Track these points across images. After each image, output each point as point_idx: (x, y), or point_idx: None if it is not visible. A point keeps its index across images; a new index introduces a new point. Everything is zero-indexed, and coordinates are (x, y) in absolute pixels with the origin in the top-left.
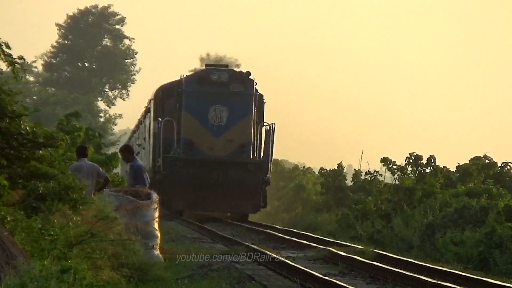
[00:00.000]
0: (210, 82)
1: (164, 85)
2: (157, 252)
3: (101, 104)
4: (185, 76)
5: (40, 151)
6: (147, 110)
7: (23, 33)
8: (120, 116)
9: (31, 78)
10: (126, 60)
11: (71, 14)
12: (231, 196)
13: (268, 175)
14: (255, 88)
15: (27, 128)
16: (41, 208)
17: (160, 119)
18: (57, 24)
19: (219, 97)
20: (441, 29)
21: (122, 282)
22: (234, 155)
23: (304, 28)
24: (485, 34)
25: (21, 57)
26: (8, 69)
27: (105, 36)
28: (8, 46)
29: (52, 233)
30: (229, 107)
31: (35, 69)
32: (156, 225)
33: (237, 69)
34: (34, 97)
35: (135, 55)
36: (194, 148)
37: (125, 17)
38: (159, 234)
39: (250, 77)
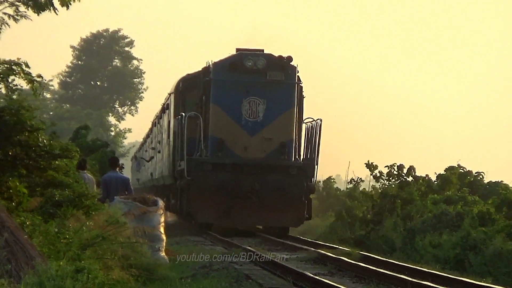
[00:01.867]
0: (244, 69)
1: (186, 75)
2: (162, 253)
3: (112, 119)
4: (213, 62)
5: (56, 162)
6: (165, 108)
7: (41, 54)
8: (129, 130)
9: (48, 95)
10: (135, 79)
11: (85, 37)
12: (269, 206)
13: (314, 181)
14: (298, 76)
15: (44, 140)
16: (57, 214)
17: (183, 114)
18: (71, 46)
19: (254, 87)
20: (423, 42)
21: (131, 281)
22: (272, 157)
23: (287, 35)
24: (463, 45)
25: (39, 76)
26: (28, 87)
27: (115, 57)
28: (27, 66)
29: (67, 236)
30: (267, 99)
31: (52, 87)
32: (162, 229)
33: None
34: (51, 113)
35: (143, 75)
36: (224, 149)
37: (134, 40)
38: (164, 237)
39: (292, 63)
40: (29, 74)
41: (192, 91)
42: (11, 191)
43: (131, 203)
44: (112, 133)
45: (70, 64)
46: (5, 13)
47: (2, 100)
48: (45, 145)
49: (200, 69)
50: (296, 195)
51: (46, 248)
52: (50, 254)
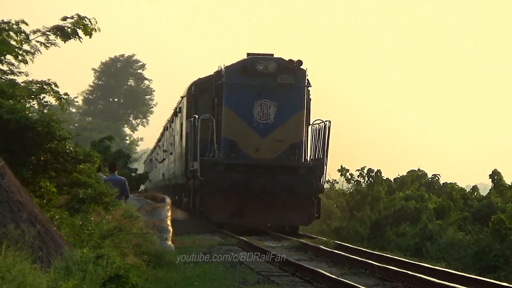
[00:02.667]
0: (255, 73)
1: (198, 79)
2: (169, 242)
3: (127, 130)
4: (225, 66)
5: (81, 166)
6: (177, 111)
7: (68, 75)
8: (141, 139)
9: (74, 110)
10: (146, 96)
11: (104, 61)
12: (280, 205)
13: (323, 181)
14: (307, 79)
15: (71, 148)
16: (81, 209)
17: (196, 116)
18: (93, 69)
19: (265, 90)
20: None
21: (143, 265)
22: (283, 157)
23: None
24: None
25: (66, 94)
26: (56, 103)
27: (130, 78)
28: (56, 85)
29: (89, 228)
30: (278, 102)
31: (77, 103)
32: (168, 222)
33: None
34: (76, 125)
35: (153, 93)
36: (236, 150)
37: (145, 64)
38: (171, 229)
39: (302, 66)
40: (57, 92)
41: (204, 94)
42: (42, 190)
43: (143, 200)
44: (127, 142)
45: (92, 84)
46: (37, 41)
47: (35, 114)
48: (71, 152)
49: (211, 73)
50: (306, 195)
51: (72, 238)
52: (75, 243)
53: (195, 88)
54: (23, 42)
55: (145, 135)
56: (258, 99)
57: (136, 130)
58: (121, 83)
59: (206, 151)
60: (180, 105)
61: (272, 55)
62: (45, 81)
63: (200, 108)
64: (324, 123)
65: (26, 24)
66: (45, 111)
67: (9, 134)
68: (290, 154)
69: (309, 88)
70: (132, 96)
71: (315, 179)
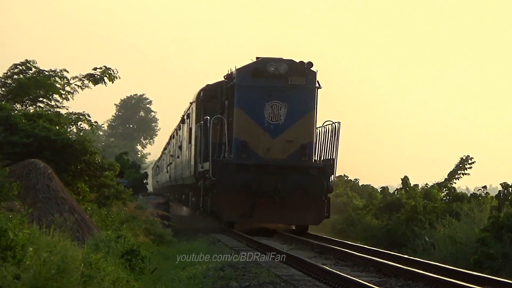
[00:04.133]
0: (267, 75)
1: (206, 85)
2: (169, 227)
3: (139, 147)
4: (236, 68)
5: (106, 172)
6: (185, 117)
7: (97, 108)
8: (149, 154)
9: (101, 133)
10: (153, 124)
11: (123, 98)
12: (290, 205)
13: (332, 181)
14: (317, 81)
15: (99, 160)
16: (106, 203)
17: (208, 118)
18: (115, 104)
19: (276, 92)
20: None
21: (150, 243)
22: (293, 158)
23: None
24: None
25: (95, 122)
26: (89, 128)
27: (141, 111)
28: (89, 116)
29: (112, 216)
30: (288, 103)
31: (103, 128)
32: (168, 212)
33: None
34: (102, 143)
35: (157, 121)
36: (248, 151)
37: (152, 100)
38: (170, 217)
39: (312, 68)
40: (89, 120)
41: (212, 100)
42: (79, 189)
43: (150, 197)
44: (139, 155)
45: (114, 114)
46: (76, 84)
47: (74, 136)
48: (99, 163)
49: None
50: (316, 195)
51: (99, 223)
52: (102, 227)
53: (204, 94)
54: (65, 85)
55: (152, 151)
56: (269, 100)
57: (145, 147)
58: (135, 114)
59: (215, 153)
60: (188, 111)
61: (281, 59)
62: (81, 112)
63: (209, 113)
64: (334, 124)
65: (67, 72)
66: (81, 134)
67: (56, 150)
68: (300, 155)
69: (318, 89)
70: (142, 123)
71: (325, 179)
